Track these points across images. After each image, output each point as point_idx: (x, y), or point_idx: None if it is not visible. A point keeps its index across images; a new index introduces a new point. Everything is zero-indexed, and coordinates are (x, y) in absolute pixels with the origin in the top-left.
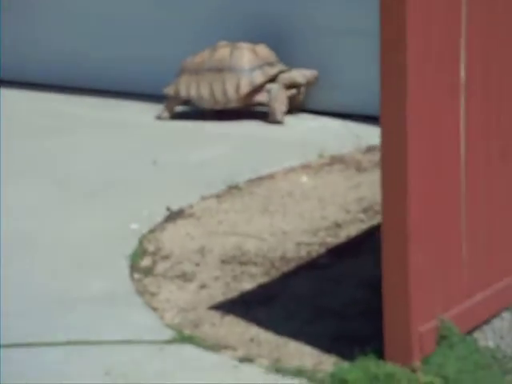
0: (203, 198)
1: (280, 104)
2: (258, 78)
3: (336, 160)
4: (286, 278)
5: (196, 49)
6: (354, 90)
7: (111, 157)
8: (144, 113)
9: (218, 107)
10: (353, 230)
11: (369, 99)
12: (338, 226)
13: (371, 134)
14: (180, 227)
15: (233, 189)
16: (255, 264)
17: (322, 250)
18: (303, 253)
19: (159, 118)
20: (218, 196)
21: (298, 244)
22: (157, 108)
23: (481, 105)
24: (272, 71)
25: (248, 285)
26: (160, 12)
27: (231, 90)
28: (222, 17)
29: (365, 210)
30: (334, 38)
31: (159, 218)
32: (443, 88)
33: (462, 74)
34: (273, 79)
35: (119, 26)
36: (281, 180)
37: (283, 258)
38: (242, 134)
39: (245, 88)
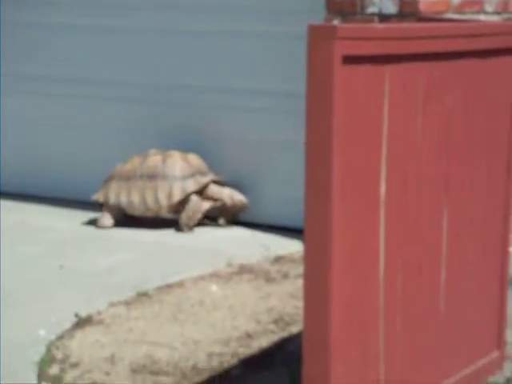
0: (112, 305)
1: (189, 219)
2: (191, 186)
3: (245, 270)
4: None
5: (116, 159)
6: (263, 200)
7: (18, 262)
8: (59, 217)
9: (150, 214)
10: (264, 341)
11: (278, 210)
12: (249, 336)
13: (279, 245)
14: (89, 334)
15: (142, 296)
16: (166, 374)
17: (234, 360)
18: (215, 363)
19: (101, 225)
20: (127, 303)
21: (210, 354)
22: (66, 212)
23: (399, 222)
24: (204, 180)
25: None
26: (88, 119)
27: (163, 197)
28: (147, 127)
29: (275, 321)
30: (249, 150)
31: (68, 325)
32: (364, 204)
33: (383, 190)
34: (204, 188)
35: (43, 132)
36: (190, 288)
37: (195, 368)
38: (153, 240)
39: (177, 196)
